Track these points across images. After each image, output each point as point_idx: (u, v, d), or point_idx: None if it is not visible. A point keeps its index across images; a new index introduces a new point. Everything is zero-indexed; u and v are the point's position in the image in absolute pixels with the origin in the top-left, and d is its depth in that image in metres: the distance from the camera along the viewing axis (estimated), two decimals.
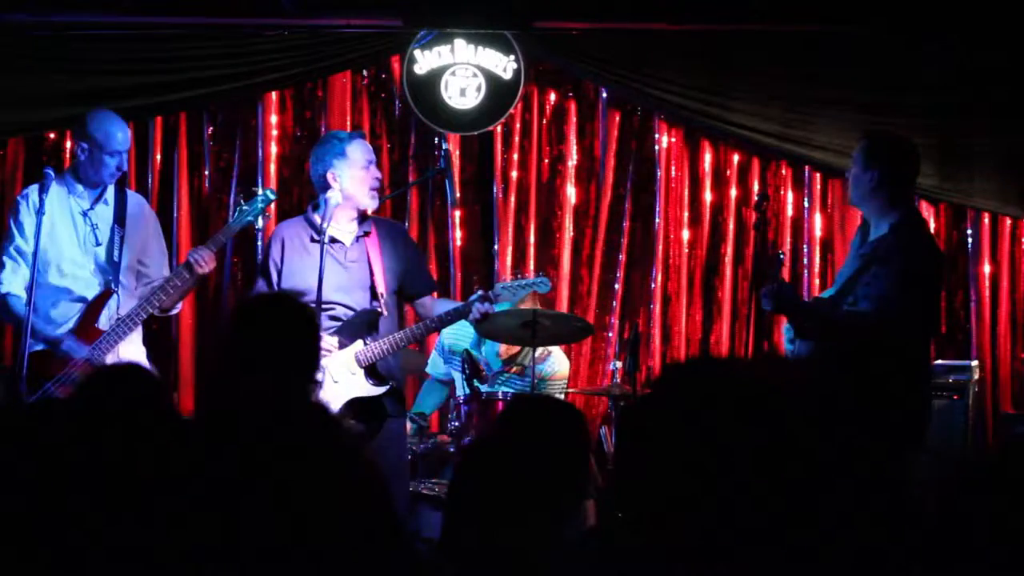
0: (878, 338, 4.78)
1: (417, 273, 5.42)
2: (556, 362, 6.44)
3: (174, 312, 5.64)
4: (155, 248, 5.52)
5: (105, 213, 5.40)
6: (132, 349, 5.37)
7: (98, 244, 5.35)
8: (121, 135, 5.37)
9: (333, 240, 5.25)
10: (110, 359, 5.26)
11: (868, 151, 5.00)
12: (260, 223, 5.60)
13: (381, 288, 5.23)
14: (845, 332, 4.85)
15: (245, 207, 5.41)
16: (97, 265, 5.34)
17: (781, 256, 5.29)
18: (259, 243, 7.13)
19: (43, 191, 5.22)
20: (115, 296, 5.31)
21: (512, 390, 6.28)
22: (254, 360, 3.44)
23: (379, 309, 5.22)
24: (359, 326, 5.23)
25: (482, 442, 2.92)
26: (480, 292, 5.23)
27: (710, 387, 2.12)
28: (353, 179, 5.26)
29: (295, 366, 3.50)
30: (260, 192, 5.47)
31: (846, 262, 5.20)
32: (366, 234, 5.31)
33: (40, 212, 5.20)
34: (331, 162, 5.27)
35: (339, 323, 5.24)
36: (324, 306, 5.20)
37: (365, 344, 5.21)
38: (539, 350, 6.12)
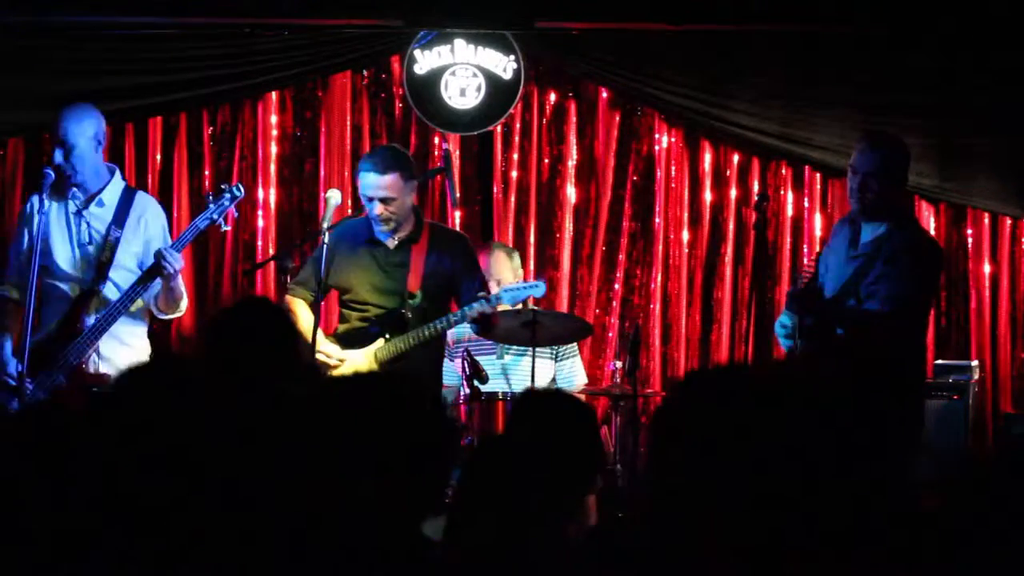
0: (894, 336, 4.81)
1: (466, 286, 5.49)
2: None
3: (176, 314, 5.53)
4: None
5: (101, 213, 5.38)
6: (121, 349, 5.33)
7: (89, 243, 5.34)
8: (64, 123, 5.25)
9: (375, 243, 5.41)
10: (92, 364, 5.23)
11: (869, 159, 4.98)
12: (226, 224, 5.44)
13: (415, 292, 5.37)
14: (860, 333, 4.87)
15: (212, 205, 5.35)
16: (88, 264, 5.33)
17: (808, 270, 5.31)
18: (259, 243, 7.14)
19: (43, 191, 5.23)
20: (97, 296, 5.27)
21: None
22: (230, 364, 3.45)
23: (405, 312, 5.35)
24: (382, 326, 5.40)
25: (491, 440, 2.92)
26: (481, 295, 5.33)
27: (723, 392, 2.12)
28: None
29: (271, 369, 3.49)
30: (227, 190, 5.39)
31: (832, 258, 5.18)
32: (412, 241, 5.39)
33: (41, 211, 5.21)
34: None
35: (368, 323, 5.40)
36: (357, 306, 5.45)
37: (385, 342, 5.37)
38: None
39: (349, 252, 5.46)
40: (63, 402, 5.06)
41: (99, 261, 5.31)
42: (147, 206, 5.50)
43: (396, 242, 5.44)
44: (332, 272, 5.46)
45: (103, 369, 5.27)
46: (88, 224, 5.36)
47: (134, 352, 5.37)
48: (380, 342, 5.40)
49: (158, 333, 6.74)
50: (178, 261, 5.21)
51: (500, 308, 5.55)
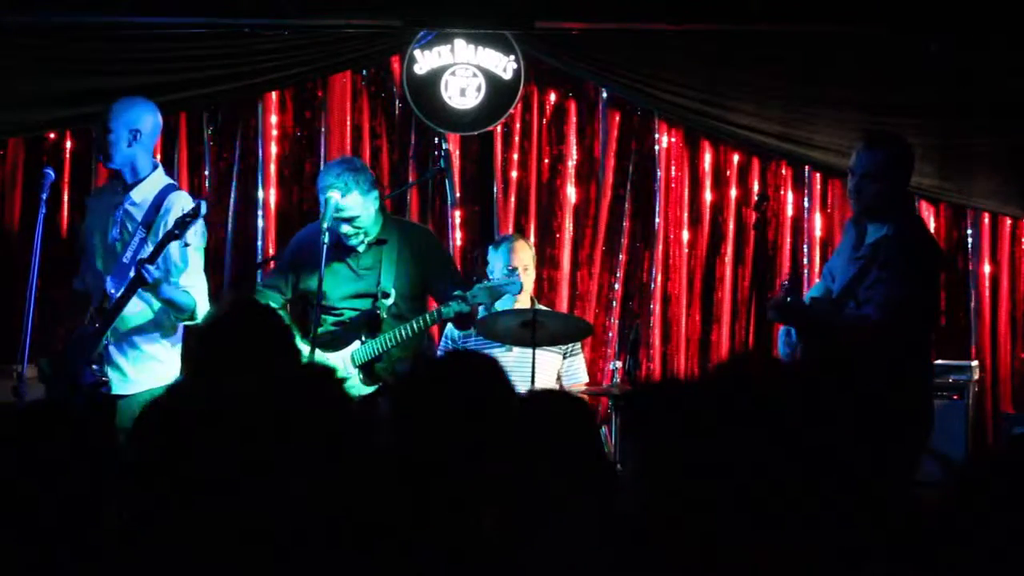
0: (885, 342, 4.78)
1: (440, 284, 5.48)
2: None
3: (189, 321, 5.31)
4: (178, 254, 5.23)
5: (133, 212, 5.30)
6: (131, 354, 5.28)
7: (115, 241, 5.32)
8: (109, 112, 5.33)
9: (344, 247, 5.40)
10: (97, 368, 5.20)
11: (871, 159, 4.92)
12: (188, 240, 5.25)
13: (388, 292, 5.38)
14: (852, 339, 4.85)
15: (175, 221, 5.14)
16: (114, 263, 5.29)
17: (795, 282, 5.29)
18: (259, 243, 7.15)
19: (43, 191, 5.22)
20: (110, 299, 5.21)
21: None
22: (222, 365, 3.44)
23: (379, 313, 5.36)
24: (358, 327, 5.40)
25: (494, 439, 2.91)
26: (458, 294, 5.30)
27: (712, 391, 2.12)
28: None
29: (262, 368, 3.48)
30: (192, 205, 5.16)
31: (838, 258, 5.17)
32: (380, 242, 5.41)
33: (41, 211, 5.20)
34: None
35: (342, 326, 5.42)
36: (332, 312, 5.44)
37: (361, 344, 5.38)
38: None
39: (317, 254, 5.33)
40: (60, 401, 5.05)
41: (120, 262, 5.26)
42: (171, 207, 5.30)
43: (364, 245, 5.44)
44: (303, 277, 5.45)
45: (110, 373, 5.22)
46: (120, 222, 5.32)
47: (142, 354, 5.31)
48: (356, 344, 5.39)
49: None
50: (151, 274, 5.04)
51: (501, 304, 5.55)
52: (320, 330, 5.44)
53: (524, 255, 6.37)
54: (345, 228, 5.35)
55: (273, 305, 5.41)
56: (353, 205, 5.32)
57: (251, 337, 3.50)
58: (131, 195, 5.32)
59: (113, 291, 5.21)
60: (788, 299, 4.90)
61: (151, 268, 5.05)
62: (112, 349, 5.24)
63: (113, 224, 5.32)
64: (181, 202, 5.35)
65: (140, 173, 5.36)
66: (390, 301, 5.41)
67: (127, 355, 5.26)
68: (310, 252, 5.41)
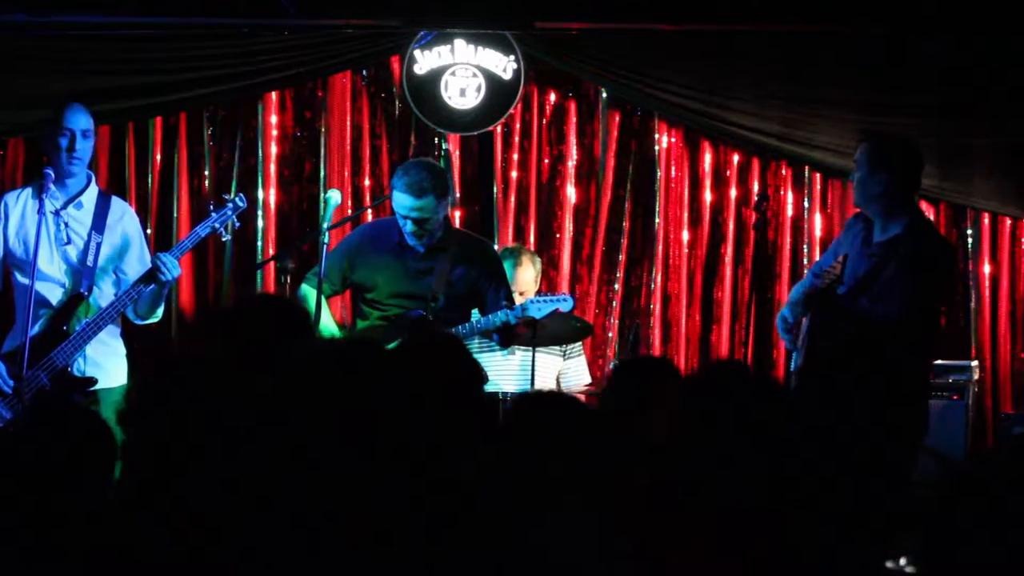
0: (903, 339, 4.85)
1: (491, 295, 5.58)
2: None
3: (153, 320, 5.49)
4: (135, 257, 5.43)
5: (81, 216, 5.37)
6: (102, 350, 5.32)
7: (68, 244, 5.32)
8: (74, 115, 5.31)
9: (404, 247, 5.51)
10: (78, 367, 5.22)
11: (875, 154, 5.05)
12: (227, 234, 5.44)
13: (438, 297, 5.48)
14: (880, 334, 4.91)
15: (214, 214, 5.36)
16: (69, 266, 5.31)
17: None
18: (258, 243, 7.14)
19: (43, 191, 5.23)
20: (86, 301, 5.27)
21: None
22: (251, 358, 3.44)
23: (427, 315, 5.44)
24: (401, 329, 5.41)
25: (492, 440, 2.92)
26: (505, 304, 5.43)
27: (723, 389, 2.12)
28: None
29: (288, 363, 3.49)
30: (230, 200, 5.42)
31: (842, 250, 5.23)
32: (441, 248, 5.50)
33: (40, 212, 5.21)
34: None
35: (388, 323, 5.49)
36: (379, 306, 5.54)
37: None
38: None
39: (377, 253, 5.56)
40: (49, 403, 5.04)
41: (84, 265, 5.30)
42: (124, 211, 5.52)
43: (425, 248, 5.51)
44: (358, 269, 5.58)
45: (89, 371, 5.25)
46: (66, 225, 5.36)
47: (111, 350, 5.38)
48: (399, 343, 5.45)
49: (156, 331, 6.78)
50: (176, 268, 5.21)
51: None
52: (365, 324, 5.57)
53: (525, 276, 6.36)
54: (412, 228, 5.44)
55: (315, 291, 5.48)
56: (424, 208, 5.42)
57: (275, 329, 3.51)
58: (81, 200, 5.39)
59: (85, 292, 5.24)
60: (829, 286, 4.97)
61: (176, 262, 5.20)
62: (90, 347, 5.26)
63: (57, 228, 5.35)
64: (127, 208, 5.57)
65: (83, 180, 5.44)
66: (439, 305, 5.47)
67: (99, 350, 5.32)
68: (374, 247, 5.55)
